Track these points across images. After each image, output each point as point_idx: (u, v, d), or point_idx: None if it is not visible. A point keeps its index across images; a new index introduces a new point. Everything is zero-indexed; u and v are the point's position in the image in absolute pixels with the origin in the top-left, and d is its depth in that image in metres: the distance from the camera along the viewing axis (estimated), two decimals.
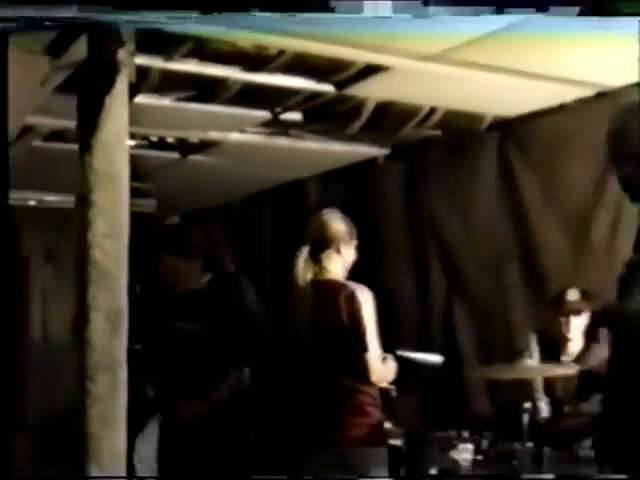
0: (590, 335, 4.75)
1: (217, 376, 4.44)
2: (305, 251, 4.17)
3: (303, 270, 4.15)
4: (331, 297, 4.06)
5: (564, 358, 4.79)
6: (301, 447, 4.15)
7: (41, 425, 7.29)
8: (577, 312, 4.73)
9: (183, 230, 4.89)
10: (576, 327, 4.77)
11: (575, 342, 4.80)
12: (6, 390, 3.42)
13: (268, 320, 4.64)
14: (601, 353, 4.39)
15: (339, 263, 4.16)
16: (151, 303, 4.75)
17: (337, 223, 4.20)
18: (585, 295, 4.72)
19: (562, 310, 4.76)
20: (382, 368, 4.06)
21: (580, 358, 4.74)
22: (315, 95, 4.85)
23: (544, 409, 4.60)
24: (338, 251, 4.15)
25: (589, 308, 4.72)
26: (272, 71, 4.44)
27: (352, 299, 4.03)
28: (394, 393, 4.57)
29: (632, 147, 2.76)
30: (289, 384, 4.55)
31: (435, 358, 4.99)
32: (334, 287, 4.10)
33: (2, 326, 3.37)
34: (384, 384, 4.19)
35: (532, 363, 4.60)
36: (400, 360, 4.34)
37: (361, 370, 3.99)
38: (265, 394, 6.48)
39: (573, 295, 4.74)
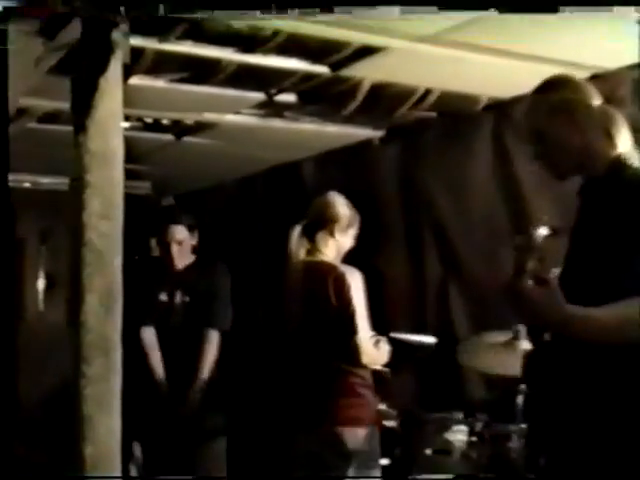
0: None
1: (197, 340, 4.93)
2: (300, 227, 4.17)
3: (296, 246, 4.16)
4: (320, 279, 4.07)
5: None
6: (293, 428, 4.16)
7: (37, 406, 7.30)
8: None
9: (185, 209, 5.23)
10: None
11: None
12: (2, 372, 3.43)
13: (261, 301, 4.92)
14: None
15: (333, 246, 4.16)
16: (141, 279, 4.90)
17: (339, 207, 4.21)
18: None
19: None
20: (373, 350, 4.07)
21: None
22: (310, 76, 4.83)
23: None
24: (333, 234, 4.15)
25: None
26: (267, 52, 4.42)
27: (341, 281, 4.03)
28: (388, 375, 4.60)
29: (538, 124, 2.79)
30: (281, 365, 4.58)
31: (429, 339, 5.01)
32: (324, 269, 4.11)
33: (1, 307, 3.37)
34: (377, 366, 4.20)
35: (525, 345, 4.63)
36: (394, 342, 4.35)
37: (352, 352, 4.00)
38: (257, 375, 6.53)
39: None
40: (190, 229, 5.00)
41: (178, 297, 4.95)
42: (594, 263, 2.60)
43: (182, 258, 4.97)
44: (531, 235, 2.59)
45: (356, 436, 3.97)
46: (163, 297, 4.94)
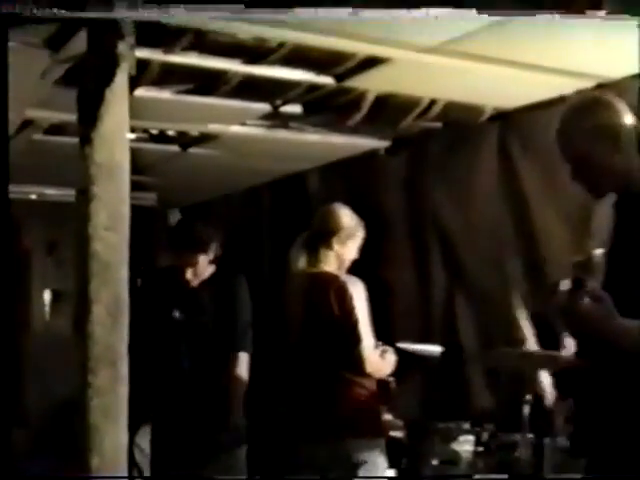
0: None
1: (220, 364, 4.62)
2: (302, 239, 4.17)
3: (296, 257, 4.16)
4: (322, 289, 4.06)
5: (563, 349, 4.79)
6: (298, 439, 4.15)
7: (43, 418, 7.31)
8: None
9: (199, 227, 4.94)
10: None
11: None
12: (7, 383, 3.43)
13: (266, 312, 4.74)
14: None
15: (334, 257, 4.15)
16: (151, 295, 4.79)
17: (341, 218, 4.20)
18: None
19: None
20: (377, 359, 4.06)
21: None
22: (315, 87, 4.85)
23: (549, 398, 4.61)
24: (331, 246, 4.14)
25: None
26: (272, 63, 4.44)
27: (343, 291, 4.03)
28: (394, 385, 4.59)
29: (574, 146, 2.83)
30: (285, 376, 4.57)
31: (435, 349, 5.00)
32: (325, 279, 4.10)
33: (4, 319, 3.37)
34: (382, 376, 4.19)
35: (532, 350, 4.64)
36: (400, 352, 4.34)
37: (355, 362, 3.99)
38: (262, 385, 6.52)
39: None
40: (205, 249, 4.74)
41: (194, 314, 4.70)
42: (632, 276, 2.65)
43: (197, 277, 4.75)
44: (590, 255, 2.67)
45: (361, 447, 3.96)
46: (176, 314, 4.71)
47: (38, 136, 5.56)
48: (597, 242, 2.82)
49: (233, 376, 4.59)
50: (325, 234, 4.15)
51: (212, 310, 4.69)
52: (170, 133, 5.93)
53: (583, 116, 2.87)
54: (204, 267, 4.75)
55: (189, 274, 4.71)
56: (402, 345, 4.60)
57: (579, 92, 4.81)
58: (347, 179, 6.54)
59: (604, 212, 3.02)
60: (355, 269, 4.27)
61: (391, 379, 4.43)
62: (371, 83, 4.81)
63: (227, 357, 4.63)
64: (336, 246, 4.15)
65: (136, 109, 3.62)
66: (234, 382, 4.61)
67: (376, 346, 4.08)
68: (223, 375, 4.62)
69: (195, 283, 4.76)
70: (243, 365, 4.64)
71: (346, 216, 4.21)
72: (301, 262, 4.16)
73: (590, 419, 2.81)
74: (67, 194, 6.93)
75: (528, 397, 4.51)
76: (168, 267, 4.95)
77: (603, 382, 2.73)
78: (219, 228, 4.93)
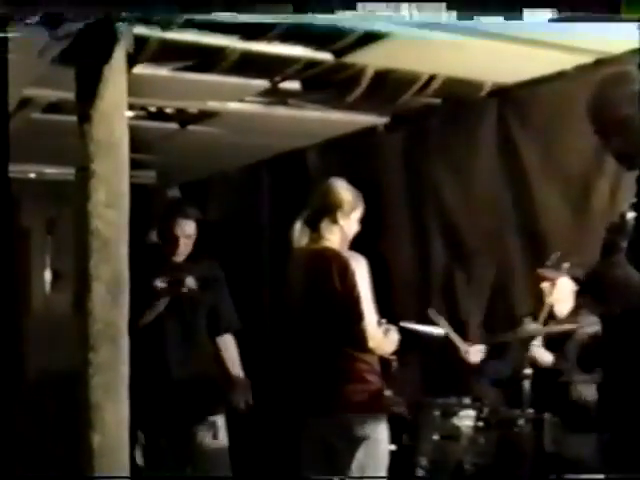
0: (579, 299, 4.80)
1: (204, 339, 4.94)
2: (303, 216, 4.17)
3: (299, 235, 4.15)
4: (325, 266, 4.06)
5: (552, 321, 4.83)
6: (301, 414, 4.16)
7: (43, 396, 7.32)
8: (549, 279, 4.78)
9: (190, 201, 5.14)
10: (561, 291, 4.81)
11: (563, 304, 4.83)
12: (8, 361, 3.44)
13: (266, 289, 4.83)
14: (588, 317, 4.47)
15: (337, 233, 4.14)
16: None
17: (341, 192, 4.18)
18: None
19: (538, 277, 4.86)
20: (380, 335, 4.06)
21: (569, 319, 4.77)
22: (314, 63, 4.83)
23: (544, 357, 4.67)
24: (337, 220, 4.13)
25: (563, 275, 4.74)
26: (270, 40, 4.42)
27: (345, 267, 4.02)
28: (395, 363, 4.61)
29: (610, 116, 2.85)
30: (288, 351, 4.59)
31: (438, 330, 5.02)
32: (327, 255, 4.09)
33: (4, 297, 3.38)
34: (384, 353, 4.19)
35: (533, 326, 4.68)
36: (403, 331, 4.34)
37: (358, 338, 3.99)
38: (265, 360, 6.54)
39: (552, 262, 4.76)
40: (197, 223, 4.95)
41: (178, 286, 4.80)
42: None
43: (186, 252, 4.91)
44: (624, 217, 2.71)
45: (364, 422, 3.97)
46: (159, 284, 4.78)
47: (36, 115, 5.55)
48: (628, 206, 2.87)
49: (224, 358, 4.95)
50: (328, 209, 4.14)
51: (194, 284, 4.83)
52: (168, 110, 5.92)
53: (619, 85, 2.89)
54: (192, 242, 4.90)
55: (182, 244, 4.85)
56: (406, 325, 4.61)
57: (578, 67, 4.81)
58: (346, 155, 6.53)
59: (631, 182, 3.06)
60: (355, 246, 4.26)
61: (393, 357, 4.44)
62: (370, 59, 4.79)
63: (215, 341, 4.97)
64: (341, 220, 4.14)
65: (134, 86, 3.62)
66: (227, 366, 4.95)
67: (379, 323, 4.08)
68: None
69: (180, 259, 4.89)
70: (230, 346, 4.99)
71: (346, 189, 4.20)
72: (303, 239, 4.15)
73: (616, 391, 2.81)
74: (66, 172, 6.90)
75: (527, 372, 4.54)
76: (154, 244, 5.09)
77: (629, 352, 2.74)
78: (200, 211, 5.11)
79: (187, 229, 4.87)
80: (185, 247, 4.85)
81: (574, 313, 4.80)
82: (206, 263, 5.00)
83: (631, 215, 2.79)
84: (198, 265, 4.90)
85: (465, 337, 5.22)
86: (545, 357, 4.69)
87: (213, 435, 4.80)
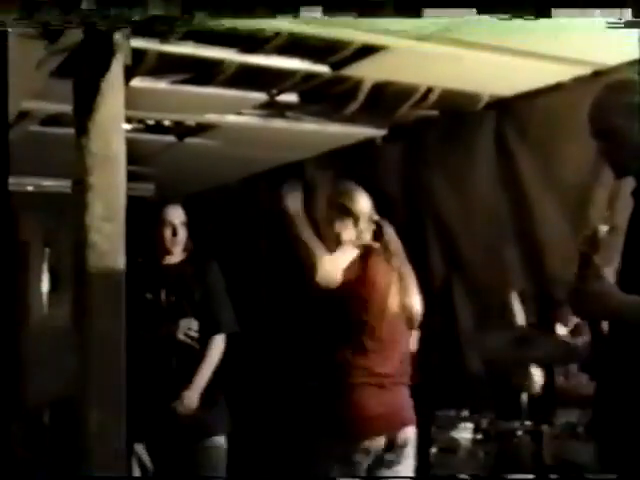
0: None
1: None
2: None
3: None
4: None
5: (559, 330, 4.83)
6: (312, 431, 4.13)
7: (42, 410, 7.31)
8: None
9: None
10: None
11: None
12: (6, 375, 3.43)
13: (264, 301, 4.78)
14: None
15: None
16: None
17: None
18: None
19: None
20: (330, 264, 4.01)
21: (576, 331, 4.77)
22: (311, 76, 4.84)
23: (538, 383, 4.65)
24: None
25: None
26: (268, 52, 4.43)
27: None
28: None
29: (607, 122, 2.86)
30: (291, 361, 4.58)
31: None
32: None
33: (2, 310, 3.38)
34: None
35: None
36: None
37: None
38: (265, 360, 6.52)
39: None
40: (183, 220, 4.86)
41: (166, 295, 4.76)
42: None
43: (182, 243, 4.83)
44: (596, 231, 2.72)
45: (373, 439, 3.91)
46: (149, 295, 4.75)
47: (34, 127, 5.56)
48: (604, 219, 2.90)
49: (204, 355, 4.76)
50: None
51: (187, 290, 4.78)
52: (166, 123, 5.92)
53: (620, 93, 2.91)
54: (182, 239, 4.82)
55: (168, 235, 4.76)
56: None
57: (576, 79, 4.82)
58: (344, 168, 6.53)
59: (620, 193, 3.08)
60: None
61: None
62: (367, 71, 4.80)
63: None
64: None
65: (132, 99, 3.62)
66: (203, 361, 4.76)
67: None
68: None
69: (171, 261, 4.83)
70: (217, 347, 4.81)
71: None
72: None
73: (609, 400, 2.81)
74: (64, 185, 6.93)
75: (527, 384, 4.53)
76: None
77: (619, 362, 2.74)
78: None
79: (176, 213, 4.80)
80: (180, 236, 4.78)
81: (578, 327, 4.80)
82: (205, 264, 4.92)
83: (604, 229, 2.81)
84: (193, 270, 4.84)
85: (460, 347, 5.23)
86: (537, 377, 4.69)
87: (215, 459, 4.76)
